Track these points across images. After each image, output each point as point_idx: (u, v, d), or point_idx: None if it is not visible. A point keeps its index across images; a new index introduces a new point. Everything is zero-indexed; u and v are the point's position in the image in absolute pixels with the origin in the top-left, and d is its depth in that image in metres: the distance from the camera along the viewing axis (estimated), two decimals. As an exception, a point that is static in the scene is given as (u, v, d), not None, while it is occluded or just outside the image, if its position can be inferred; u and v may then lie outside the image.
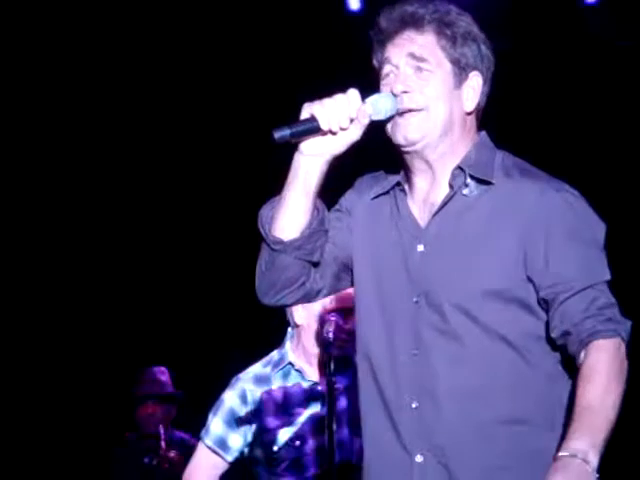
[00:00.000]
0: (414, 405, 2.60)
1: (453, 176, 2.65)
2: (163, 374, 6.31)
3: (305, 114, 2.56)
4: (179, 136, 7.00)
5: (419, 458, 2.60)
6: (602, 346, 2.49)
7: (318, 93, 2.62)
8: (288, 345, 4.04)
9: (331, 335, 3.57)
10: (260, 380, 4.02)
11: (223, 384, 4.11)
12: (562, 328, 2.54)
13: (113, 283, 7.28)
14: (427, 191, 2.68)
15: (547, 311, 2.58)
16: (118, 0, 6.52)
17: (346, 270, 2.77)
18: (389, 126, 2.65)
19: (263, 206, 2.70)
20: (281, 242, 2.63)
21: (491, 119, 2.79)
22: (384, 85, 2.66)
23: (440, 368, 2.59)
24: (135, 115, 6.95)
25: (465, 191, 2.63)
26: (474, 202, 2.63)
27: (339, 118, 2.54)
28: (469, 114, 2.69)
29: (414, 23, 2.63)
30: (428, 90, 2.61)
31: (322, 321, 3.76)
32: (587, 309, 2.53)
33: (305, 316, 3.93)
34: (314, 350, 3.93)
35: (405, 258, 2.67)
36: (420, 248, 2.65)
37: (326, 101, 2.56)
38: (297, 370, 3.97)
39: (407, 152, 2.65)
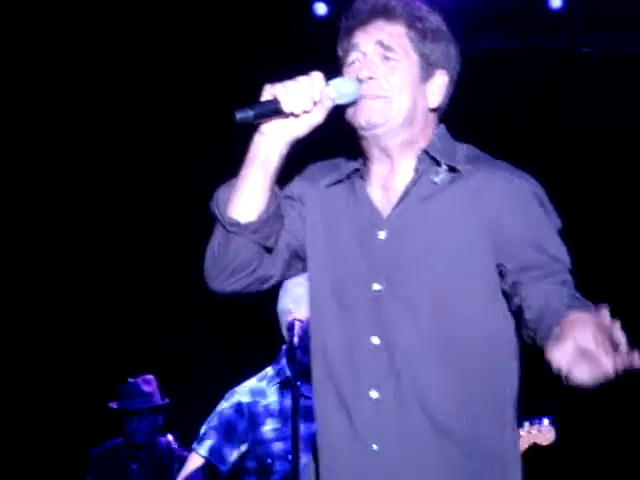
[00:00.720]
0: (375, 397, 2.60)
1: (419, 160, 2.65)
2: (149, 384, 6.20)
3: (267, 95, 2.54)
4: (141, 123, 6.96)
5: (375, 447, 2.60)
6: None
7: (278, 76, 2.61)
8: (284, 361, 4.04)
9: (296, 340, 3.57)
10: (256, 394, 4.05)
11: (209, 392, 4.13)
12: (539, 303, 2.48)
13: (98, 289, 7.24)
14: (386, 177, 2.69)
15: (516, 293, 2.54)
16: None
17: (297, 258, 2.75)
18: (351, 110, 2.64)
19: (219, 188, 2.67)
20: (237, 224, 2.60)
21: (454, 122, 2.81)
22: (349, 72, 2.66)
23: (403, 359, 2.58)
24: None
25: (435, 178, 2.64)
26: (441, 189, 2.63)
27: (302, 100, 2.53)
28: (432, 111, 2.71)
29: (385, 13, 2.65)
30: (393, 79, 2.63)
31: (289, 327, 3.75)
32: (569, 293, 2.50)
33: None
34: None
35: (364, 245, 2.65)
36: (382, 235, 2.64)
37: (289, 83, 2.55)
38: (293, 385, 3.97)
39: (367, 137, 2.65)
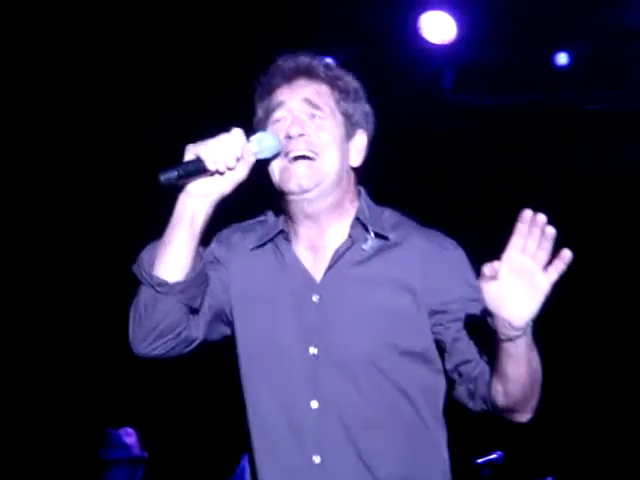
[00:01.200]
0: (317, 460, 2.59)
1: (352, 227, 2.67)
2: (130, 436, 6.22)
3: (190, 155, 2.54)
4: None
5: None
6: None
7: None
8: None
9: None
10: None
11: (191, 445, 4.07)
12: (465, 385, 2.60)
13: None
14: (313, 239, 2.69)
15: (446, 348, 2.63)
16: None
17: (219, 320, 2.74)
18: (277, 171, 2.65)
19: (143, 251, 2.64)
20: (166, 284, 2.58)
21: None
22: (275, 129, 2.66)
23: (344, 422, 2.58)
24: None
25: (365, 245, 2.65)
26: (372, 255, 2.65)
27: (225, 157, 2.54)
28: (354, 170, 2.74)
29: (309, 73, 2.68)
30: (323, 136, 2.64)
31: None
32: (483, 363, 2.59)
33: None
34: None
35: (297, 309, 2.65)
36: (315, 298, 2.65)
37: (210, 141, 2.55)
38: None
39: (297, 201, 2.65)
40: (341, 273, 2.65)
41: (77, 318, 7.24)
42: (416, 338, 2.63)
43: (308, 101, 2.65)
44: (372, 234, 2.66)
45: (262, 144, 2.60)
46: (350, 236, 2.66)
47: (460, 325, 2.60)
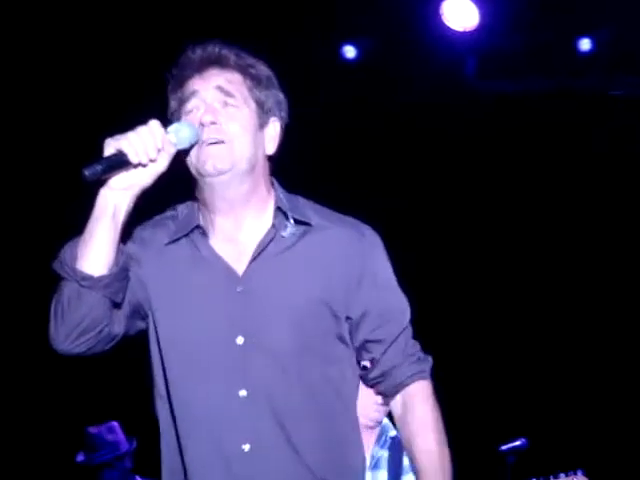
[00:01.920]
0: (246, 449, 2.61)
1: (275, 217, 2.69)
2: (112, 432, 6.09)
3: (110, 149, 2.54)
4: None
5: None
6: (421, 391, 2.73)
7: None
8: None
9: None
10: None
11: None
12: (381, 370, 2.72)
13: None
14: (231, 231, 2.70)
15: (359, 350, 2.73)
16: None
17: (137, 316, 2.73)
18: (193, 156, 2.65)
19: (64, 247, 2.64)
20: (91, 278, 2.57)
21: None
22: (189, 119, 2.67)
23: (273, 410, 2.61)
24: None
25: (284, 233, 2.68)
26: (293, 243, 2.68)
27: (147, 149, 2.54)
28: (268, 158, 2.75)
29: (220, 61, 2.68)
30: (234, 124, 2.65)
31: None
32: (403, 352, 2.73)
33: None
34: None
35: (221, 301, 2.66)
36: (239, 289, 2.66)
37: (130, 134, 2.55)
38: None
39: (213, 184, 2.65)
40: (264, 263, 2.66)
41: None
42: (338, 323, 2.68)
43: (220, 89, 2.66)
44: (292, 221, 2.68)
45: (179, 134, 2.61)
46: (274, 226, 2.68)
47: (368, 330, 2.72)
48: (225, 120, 2.64)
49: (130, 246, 2.72)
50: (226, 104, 2.66)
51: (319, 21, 6.28)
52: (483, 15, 6.05)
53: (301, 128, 2.86)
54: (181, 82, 2.70)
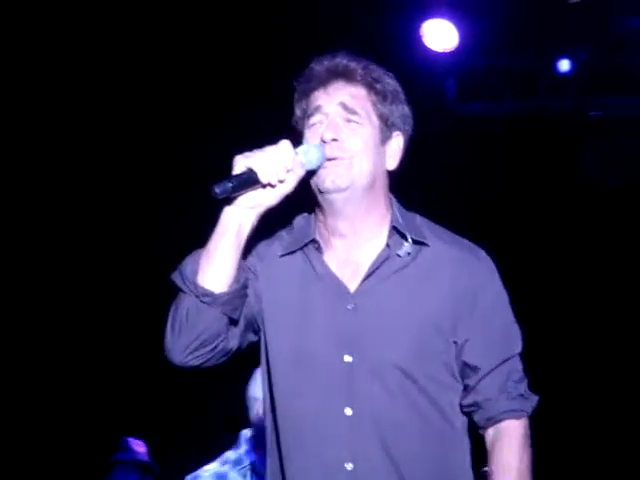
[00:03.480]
0: (349, 467, 2.58)
1: (390, 237, 2.65)
2: (139, 446, 6.22)
3: (240, 167, 2.53)
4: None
5: None
6: (512, 432, 2.65)
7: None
8: (245, 447, 3.98)
9: None
10: (220, 478, 3.96)
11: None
12: (474, 399, 2.65)
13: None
14: (347, 247, 2.67)
15: (462, 376, 2.66)
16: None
17: (250, 329, 2.72)
18: (314, 175, 2.63)
19: (184, 260, 2.62)
20: (212, 294, 2.56)
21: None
22: (312, 133, 2.65)
23: (377, 430, 2.58)
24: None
25: (400, 252, 2.64)
26: (407, 263, 2.65)
27: (277, 170, 2.53)
28: (388, 173, 2.72)
29: (346, 75, 2.65)
30: (355, 141, 2.62)
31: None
32: (502, 385, 2.65)
33: None
34: None
35: (330, 316, 2.64)
36: (350, 307, 2.63)
37: (260, 154, 2.53)
38: (257, 473, 3.91)
39: (332, 201, 2.63)
40: (377, 282, 2.64)
41: (98, 325, 7.24)
42: (446, 346, 2.64)
43: (344, 105, 2.63)
44: (410, 241, 2.64)
45: (308, 156, 2.59)
46: (388, 245, 2.65)
47: (475, 360, 2.66)
48: (347, 137, 2.61)
49: (249, 258, 2.71)
50: (349, 120, 2.63)
51: (299, 42, 6.29)
52: (463, 36, 6.07)
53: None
54: (306, 93, 2.67)
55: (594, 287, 6.90)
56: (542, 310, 6.86)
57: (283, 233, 2.76)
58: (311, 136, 2.64)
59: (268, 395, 2.72)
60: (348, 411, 2.59)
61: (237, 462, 3.97)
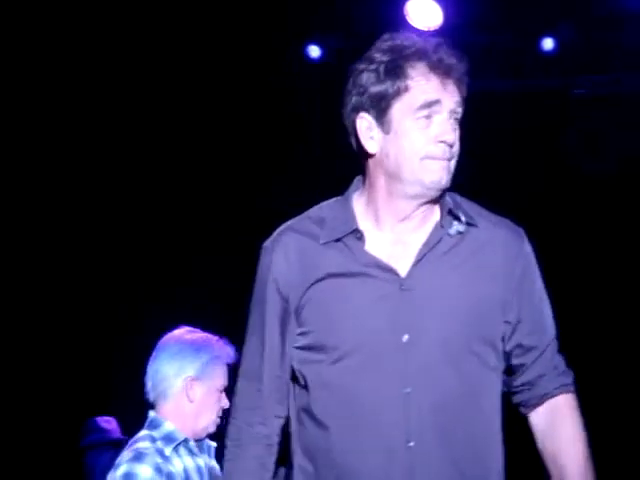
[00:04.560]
0: (411, 444, 2.61)
1: (442, 217, 2.66)
2: (109, 423, 6.15)
3: None
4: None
5: None
6: (568, 404, 2.72)
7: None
8: (168, 424, 3.76)
9: None
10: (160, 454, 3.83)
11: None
12: (527, 378, 2.71)
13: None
14: (400, 232, 2.67)
15: (508, 355, 2.70)
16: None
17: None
18: (415, 163, 2.60)
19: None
20: None
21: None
22: (421, 126, 2.60)
23: (433, 406, 2.61)
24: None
25: (451, 231, 2.66)
26: (457, 243, 2.66)
27: None
28: None
29: (459, 80, 2.63)
30: (457, 145, 2.64)
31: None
32: (550, 362, 2.71)
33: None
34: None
35: (383, 300, 2.64)
36: (403, 289, 2.64)
37: None
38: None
39: (422, 195, 2.63)
40: (429, 262, 2.64)
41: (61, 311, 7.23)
42: (497, 325, 2.67)
43: (456, 112, 2.63)
44: (463, 219, 2.65)
45: None
46: (442, 226, 2.66)
47: (520, 338, 2.70)
48: (456, 139, 2.63)
49: (278, 271, 2.69)
50: (455, 120, 2.62)
51: (284, 20, 6.29)
52: (447, 15, 6.07)
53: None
54: (410, 75, 2.59)
55: (581, 274, 6.88)
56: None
57: (312, 225, 2.71)
58: (420, 129, 2.60)
59: (326, 374, 2.68)
60: (407, 389, 2.61)
61: (166, 441, 3.86)
